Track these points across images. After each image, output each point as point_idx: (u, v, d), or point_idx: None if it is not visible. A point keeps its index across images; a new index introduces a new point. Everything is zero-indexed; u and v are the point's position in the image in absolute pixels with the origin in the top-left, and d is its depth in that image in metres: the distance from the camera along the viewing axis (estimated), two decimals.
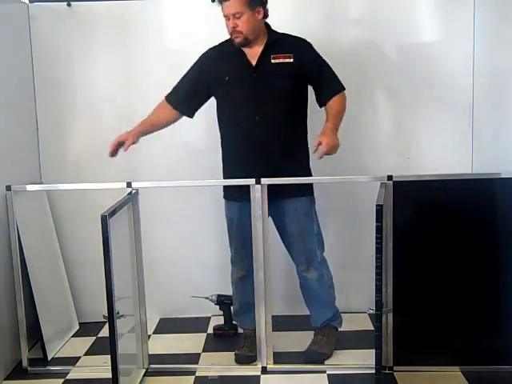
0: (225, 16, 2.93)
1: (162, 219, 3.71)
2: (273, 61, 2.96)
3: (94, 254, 2.87)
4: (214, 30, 3.57)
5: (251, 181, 3.02)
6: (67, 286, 3.69)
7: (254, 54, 2.98)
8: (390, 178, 2.95)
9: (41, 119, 3.66)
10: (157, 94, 3.64)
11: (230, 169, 3.11)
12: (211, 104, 3.44)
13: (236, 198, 3.11)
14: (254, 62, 2.98)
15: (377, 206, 2.61)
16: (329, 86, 3.03)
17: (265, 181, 3.01)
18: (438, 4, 3.60)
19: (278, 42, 2.99)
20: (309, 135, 3.10)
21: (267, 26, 3.05)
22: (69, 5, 3.58)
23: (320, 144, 2.85)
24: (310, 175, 3.12)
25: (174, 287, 3.75)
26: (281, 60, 2.94)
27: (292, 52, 2.96)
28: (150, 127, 3.12)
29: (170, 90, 3.65)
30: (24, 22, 3.56)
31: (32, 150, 3.63)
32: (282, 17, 3.55)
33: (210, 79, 3.06)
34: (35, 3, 3.62)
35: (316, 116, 3.08)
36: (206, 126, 3.56)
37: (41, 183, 3.60)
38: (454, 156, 3.61)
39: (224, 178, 3.15)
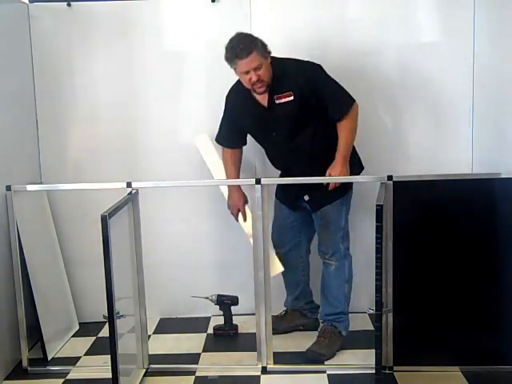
0: (242, 72, 3.03)
1: (162, 219, 3.71)
2: (277, 101, 3.10)
3: (94, 254, 2.88)
4: (213, 30, 3.60)
5: (251, 181, 3.04)
6: (67, 286, 3.69)
7: (263, 96, 3.13)
8: (390, 178, 2.95)
9: (41, 119, 3.66)
10: (157, 94, 3.67)
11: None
12: (211, 104, 3.46)
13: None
14: (265, 104, 3.14)
15: (377, 206, 2.61)
16: (334, 108, 3.10)
17: (265, 181, 3.03)
18: (437, 4, 3.59)
19: (280, 78, 3.09)
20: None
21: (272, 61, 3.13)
22: (69, 5, 3.58)
23: (330, 174, 3.09)
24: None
25: (174, 287, 3.75)
26: (283, 100, 3.09)
27: (291, 88, 3.07)
28: (235, 170, 3.38)
29: (170, 89, 3.65)
30: (24, 21, 3.55)
31: (32, 150, 3.63)
32: (281, 17, 3.57)
33: (239, 119, 3.28)
34: (35, 3, 3.61)
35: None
36: (206, 126, 3.56)
37: (41, 183, 3.60)
38: (454, 156, 3.61)
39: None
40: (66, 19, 3.61)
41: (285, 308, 3.57)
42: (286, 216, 3.38)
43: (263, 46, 3.04)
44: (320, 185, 3.14)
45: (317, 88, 3.08)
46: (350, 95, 3.11)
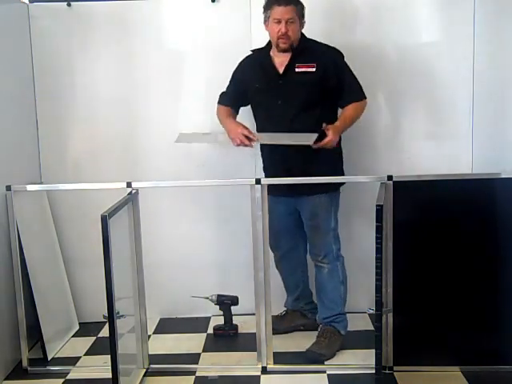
0: (275, 19, 3.06)
1: (162, 219, 3.71)
2: (296, 69, 3.12)
3: (94, 254, 2.88)
4: (213, 30, 3.60)
5: (251, 181, 3.03)
6: (67, 286, 3.69)
7: (282, 62, 3.15)
8: (390, 178, 2.95)
9: (41, 119, 3.66)
10: (157, 94, 3.67)
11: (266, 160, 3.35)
12: (211, 104, 3.45)
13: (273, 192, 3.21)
14: (280, 70, 3.15)
15: (377, 206, 2.62)
16: (348, 94, 3.16)
17: (265, 181, 3.03)
18: (437, 4, 3.59)
19: (305, 51, 3.13)
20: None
21: (302, 35, 3.18)
22: (69, 5, 3.58)
23: (327, 131, 3.02)
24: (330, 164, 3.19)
25: (174, 287, 3.75)
26: (303, 69, 3.11)
27: (316, 61, 3.10)
28: (232, 117, 3.31)
29: (170, 89, 3.65)
30: (24, 21, 3.55)
31: (32, 150, 3.63)
32: None
33: (246, 85, 3.27)
34: (35, 3, 3.62)
35: None
36: (206, 126, 3.56)
37: (41, 183, 3.60)
38: (454, 156, 3.61)
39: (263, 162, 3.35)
40: (66, 19, 3.61)
41: (285, 308, 3.57)
42: (280, 218, 3.31)
43: (303, 11, 3.12)
44: (303, 165, 3.10)
45: (340, 72, 3.14)
46: (363, 91, 3.18)
